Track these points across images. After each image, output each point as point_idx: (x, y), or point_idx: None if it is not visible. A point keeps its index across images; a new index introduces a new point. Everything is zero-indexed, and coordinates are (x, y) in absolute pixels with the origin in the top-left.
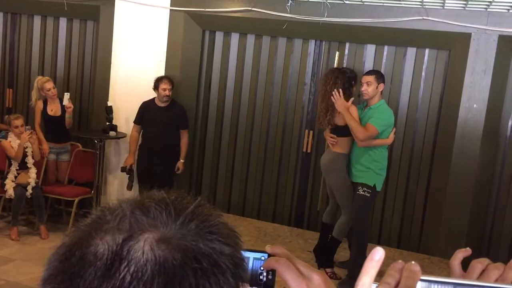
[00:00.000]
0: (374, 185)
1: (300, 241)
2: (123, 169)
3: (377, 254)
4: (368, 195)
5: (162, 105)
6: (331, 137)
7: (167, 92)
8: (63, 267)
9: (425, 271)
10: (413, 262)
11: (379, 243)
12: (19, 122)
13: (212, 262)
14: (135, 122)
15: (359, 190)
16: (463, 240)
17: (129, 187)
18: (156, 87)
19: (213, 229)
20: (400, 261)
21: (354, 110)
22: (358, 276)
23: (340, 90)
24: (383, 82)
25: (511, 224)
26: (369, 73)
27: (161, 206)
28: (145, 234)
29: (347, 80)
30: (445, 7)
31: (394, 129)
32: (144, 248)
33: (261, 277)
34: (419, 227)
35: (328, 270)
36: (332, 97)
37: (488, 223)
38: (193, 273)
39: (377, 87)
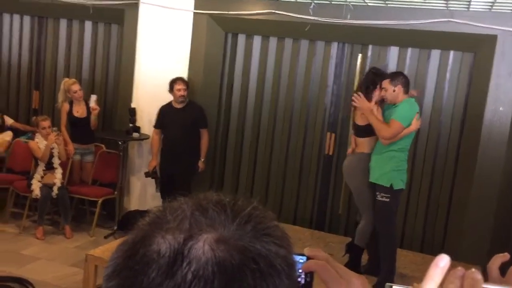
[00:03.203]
0: (391, 185)
1: (321, 244)
2: (147, 174)
3: (443, 261)
4: (387, 200)
5: (179, 106)
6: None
7: (182, 92)
8: (127, 264)
9: None
10: (473, 269)
11: (401, 247)
12: (46, 123)
13: (269, 264)
14: (155, 126)
15: (377, 196)
16: (487, 245)
17: (158, 189)
18: (171, 89)
19: (268, 231)
20: (460, 268)
21: (377, 111)
22: (423, 281)
23: (360, 93)
24: (400, 83)
25: None
26: (384, 77)
27: (218, 207)
28: (204, 234)
29: (371, 82)
30: (471, 9)
31: (417, 115)
32: (204, 247)
33: (299, 279)
34: (442, 231)
35: None
36: (353, 101)
37: None
38: (251, 273)
39: (394, 90)
